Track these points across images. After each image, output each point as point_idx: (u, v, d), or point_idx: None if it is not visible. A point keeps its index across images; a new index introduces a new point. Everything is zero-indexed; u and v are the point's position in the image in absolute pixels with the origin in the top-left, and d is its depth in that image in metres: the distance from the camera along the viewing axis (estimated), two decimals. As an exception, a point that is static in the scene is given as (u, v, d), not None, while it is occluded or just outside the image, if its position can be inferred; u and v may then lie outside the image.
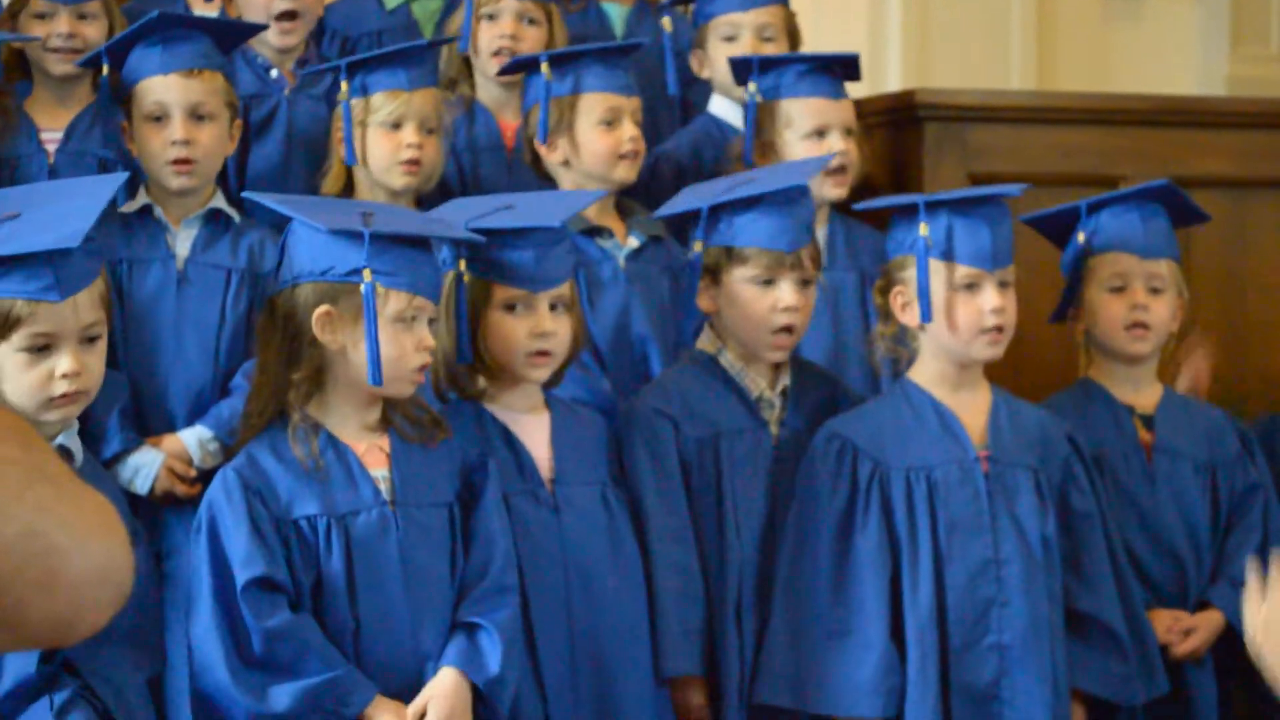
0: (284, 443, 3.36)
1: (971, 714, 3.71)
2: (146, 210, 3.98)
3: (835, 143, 4.35)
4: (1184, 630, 4.01)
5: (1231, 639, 4.02)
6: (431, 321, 3.41)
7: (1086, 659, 3.84)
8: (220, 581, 3.27)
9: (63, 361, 3.16)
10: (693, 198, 3.97)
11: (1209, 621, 4.02)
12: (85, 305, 3.20)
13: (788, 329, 3.84)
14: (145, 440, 3.85)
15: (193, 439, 3.87)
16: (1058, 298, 4.14)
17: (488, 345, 3.61)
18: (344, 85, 4.14)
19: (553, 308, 3.62)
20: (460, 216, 3.64)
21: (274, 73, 4.43)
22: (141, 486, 3.82)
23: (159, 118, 3.94)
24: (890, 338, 3.91)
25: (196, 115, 3.94)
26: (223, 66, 4.04)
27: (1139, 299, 4.08)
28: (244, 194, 3.76)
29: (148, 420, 3.89)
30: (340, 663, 3.26)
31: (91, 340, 3.22)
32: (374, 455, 3.40)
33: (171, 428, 3.89)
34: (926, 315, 3.77)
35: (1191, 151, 4.76)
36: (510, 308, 3.61)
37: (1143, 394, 4.15)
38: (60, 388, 3.16)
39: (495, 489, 3.47)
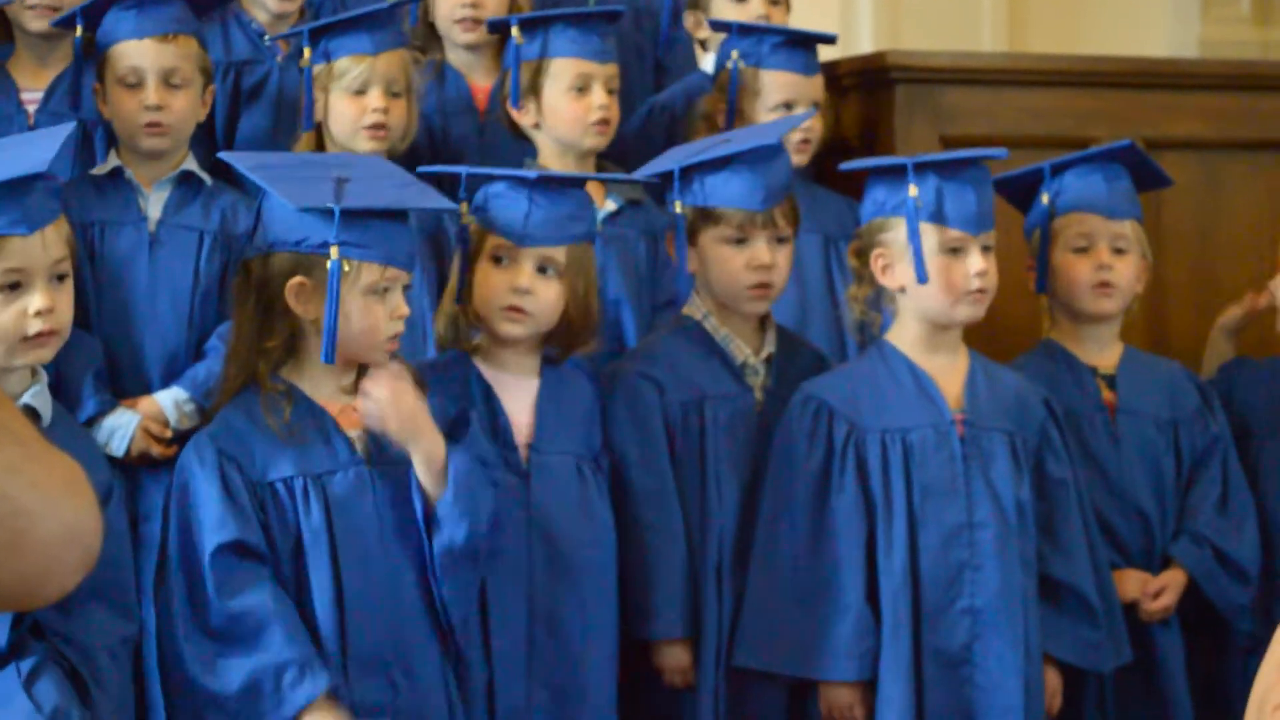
0: (258, 407, 3.36)
1: (944, 677, 3.73)
2: (118, 173, 3.97)
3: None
4: (1154, 591, 4.04)
5: (1195, 593, 4.06)
6: (406, 288, 3.41)
7: (1059, 625, 3.86)
8: (186, 548, 3.28)
9: (35, 299, 3.21)
10: (669, 161, 3.97)
11: (1175, 581, 4.05)
12: (53, 241, 3.25)
13: (764, 285, 3.86)
14: (121, 402, 3.85)
15: (168, 400, 3.86)
16: (1023, 259, 4.14)
17: (472, 294, 3.62)
18: (306, 51, 4.12)
19: (542, 270, 3.62)
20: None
21: (268, 39, 4.42)
22: (117, 448, 3.81)
23: (133, 83, 3.93)
24: (865, 300, 3.92)
25: (170, 81, 3.93)
26: (197, 31, 4.02)
27: (1104, 259, 4.09)
28: (220, 155, 3.75)
29: (123, 383, 3.89)
30: (300, 644, 3.24)
31: (60, 279, 3.27)
32: (349, 416, 3.39)
33: (147, 390, 3.89)
34: (923, 276, 3.76)
35: (1163, 113, 4.76)
36: (497, 259, 3.62)
37: (1105, 354, 4.18)
38: (34, 326, 3.21)
39: (473, 442, 3.47)
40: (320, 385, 3.40)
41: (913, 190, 3.78)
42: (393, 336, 3.37)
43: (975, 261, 3.80)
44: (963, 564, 3.75)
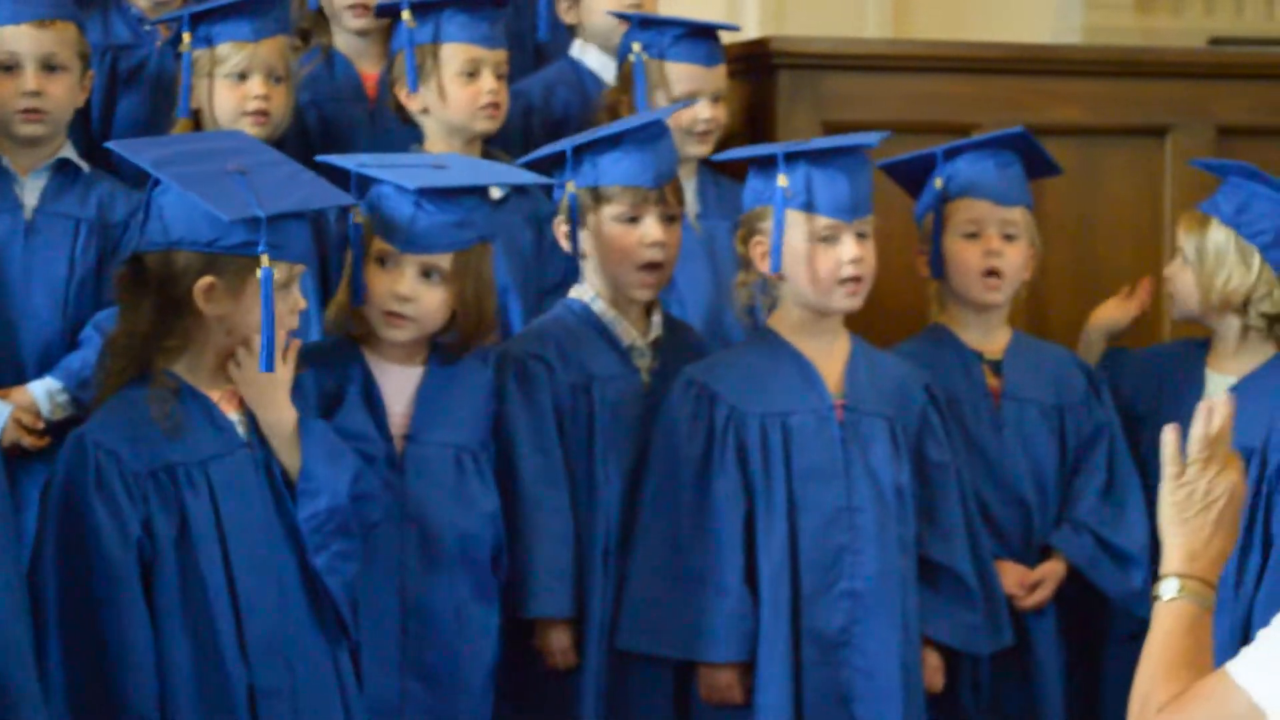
0: (144, 401, 3.31)
1: (822, 659, 3.76)
2: (-7, 160, 3.93)
3: (703, 110, 4.38)
4: (1031, 585, 4.06)
5: (1074, 582, 4.09)
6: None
7: (937, 608, 3.89)
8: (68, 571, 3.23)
9: None
10: (560, 144, 3.98)
11: (1053, 572, 4.08)
12: None
13: (654, 265, 3.87)
14: (-8, 393, 3.80)
15: (41, 391, 3.82)
16: (911, 244, 4.16)
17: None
18: (185, 37, 4.09)
19: (426, 274, 3.60)
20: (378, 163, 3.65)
21: (147, 24, 4.38)
22: (-11, 438, 3.77)
23: (9, 67, 3.88)
24: (752, 286, 3.93)
25: (48, 66, 3.89)
26: (75, 17, 3.98)
27: (993, 245, 4.11)
28: (108, 144, 3.65)
29: (-4, 372, 3.84)
30: None
31: None
32: (229, 400, 3.37)
33: (20, 379, 3.84)
34: (776, 265, 3.81)
35: (1046, 99, 4.78)
36: (383, 262, 3.60)
37: (992, 339, 4.19)
38: None
39: (348, 415, 3.47)
40: (201, 374, 3.36)
41: (782, 180, 3.81)
42: (289, 331, 3.35)
43: (849, 249, 3.82)
44: (842, 547, 3.78)
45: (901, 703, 3.76)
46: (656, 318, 3.97)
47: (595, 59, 4.69)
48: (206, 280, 3.26)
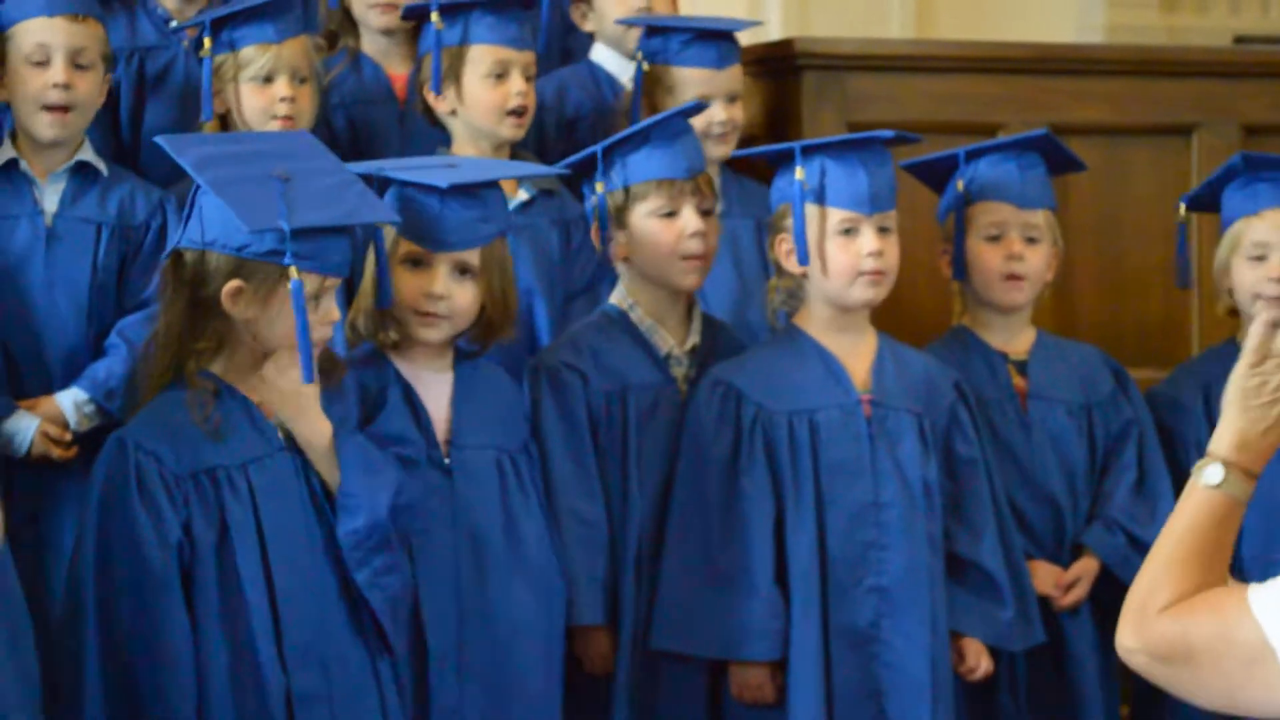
0: (184, 404, 3.30)
1: (851, 655, 3.75)
2: (12, 164, 3.90)
3: (717, 112, 4.36)
4: (1066, 585, 4.04)
5: (1108, 581, 4.07)
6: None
7: (967, 604, 3.87)
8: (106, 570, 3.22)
9: None
10: (585, 152, 3.98)
11: (1087, 571, 4.06)
12: None
13: (697, 256, 3.87)
14: (19, 404, 3.79)
15: (68, 402, 3.81)
16: (935, 245, 4.14)
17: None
18: (207, 41, 4.08)
19: (460, 272, 3.60)
20: (396, 166, 3.64)
21: (174, 24, 4.37)
22: (17, 451, 3.77)
23: (39, 61, 3.85)
24: (785, 289, 3.93)
25: (77, 62, 3.87)
26: (102, 17, 3.97)
27: (1015, 249, 4.09)
28: (156, 139, 3.62)
29: (23, 381, 3.83)
30: None
31: None
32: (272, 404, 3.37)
33: (47, 388, 3.83)
34: (803, 258, 3.80)
35: (1069, 99, 4.78)
36: (413, 263, 3.60)
37: (1016, 340, 4.17)
38: None
39: (388, 421, 3.46)
40: (243, 376, 3.36)
41: (799, 173, 3.80)
42: (321, 341, 3.34)
43: (868, 242, 3.81)
44: (869, 543, 3.77)
45: (930, 697, 3.75)
46: (695, 324, 3.97)
47: (613, 63, 4.68)
48: (234, 284, 3.25)
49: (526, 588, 3.64)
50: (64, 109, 3.85)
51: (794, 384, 3.83)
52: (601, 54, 4.71)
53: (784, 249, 3.87)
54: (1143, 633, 2.36)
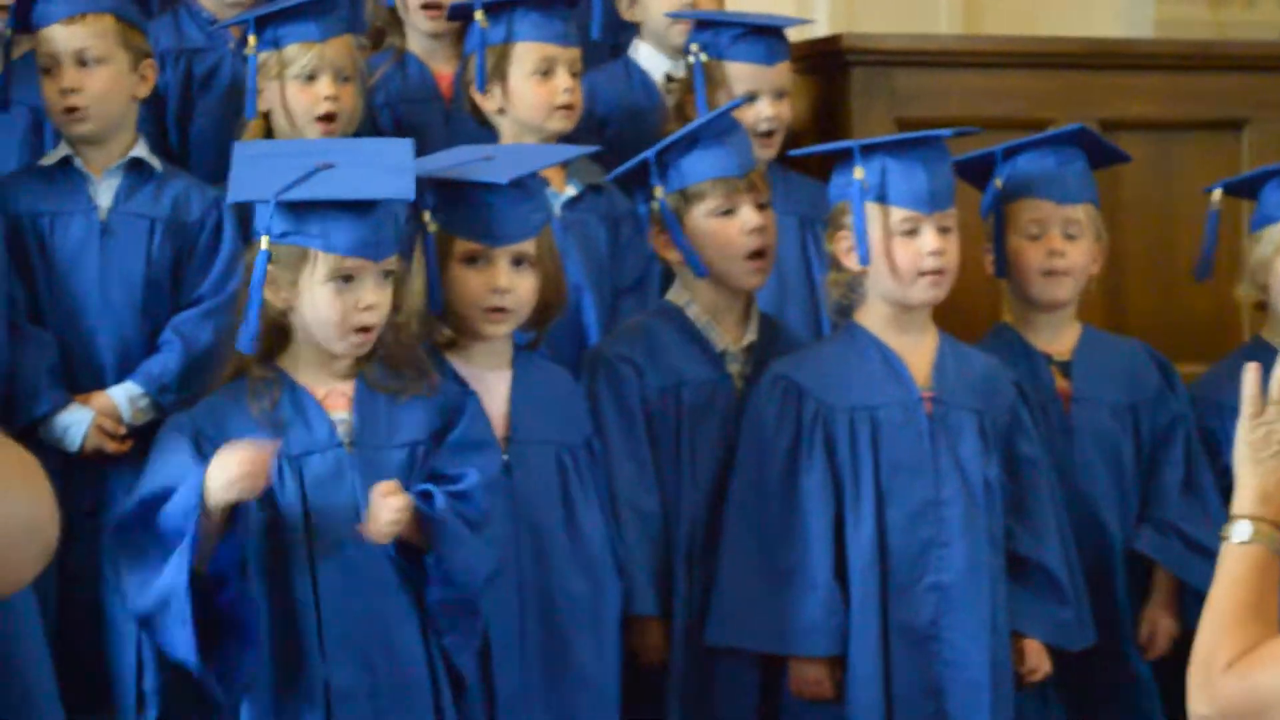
0: (245, 393, 3.37)
1: (911, 653, 3.74)
2: (67, 161, 3.94)
3: (764, 108, 4.37)
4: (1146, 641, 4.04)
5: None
6: (388, 275, 3.39)
7: (1029, 603, 3.86)
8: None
9: None
10: (637, 158, 3.99)
11: (1166, 632, 4.05)
12: None
13: (759, 253, 3.88)
14: (74, 398, 3.81)
15: (123, 396, 3.84)
16: (976, 241, 4.12)
17: (448, 298, 3.61)
18: (251, 39, 4.09)
19: (517, 263, 3.62)
20: (438, 165, 3.65)
21: (215, 27, 4.40)
22: (71, 445, 3.79)
23: (50, 68, 3.90)
24: (844, 284, 3.91)
25: (82, 61, 3.89)
26: (112, 8, 3.95)
27: (1055, 245, 4.06)
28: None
29: (77, 375, 3.85)
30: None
31: None
32: (335, 399, 3.41)
33: (101, 382, 3.85)
34: (865, 258, 3.80)
35: (1119, 94, 4.77)
36: (471, 260, 3.61)
37: (1060, 339, 4.14)
38: None
39: (478, 430, 3.47)
40: (310, 368, 3.41)
41: (858, 173, 3.80)
42: (359, 328, 3.36)
43: (928, 241, 3.80)
44: (930, 540, 3.76)
45: (990, 696, 3.73)
46: (753, 322, 3.98)
47: (652, 60, 4.68)
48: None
49: (585, 580, 3.65)
50: (77, 109, 3.88)
51: (855, 380, 3.83)
52: (642, 51, 4.71)
53: (843, 246, 3.86)
54: (1212, 696, 2.35)
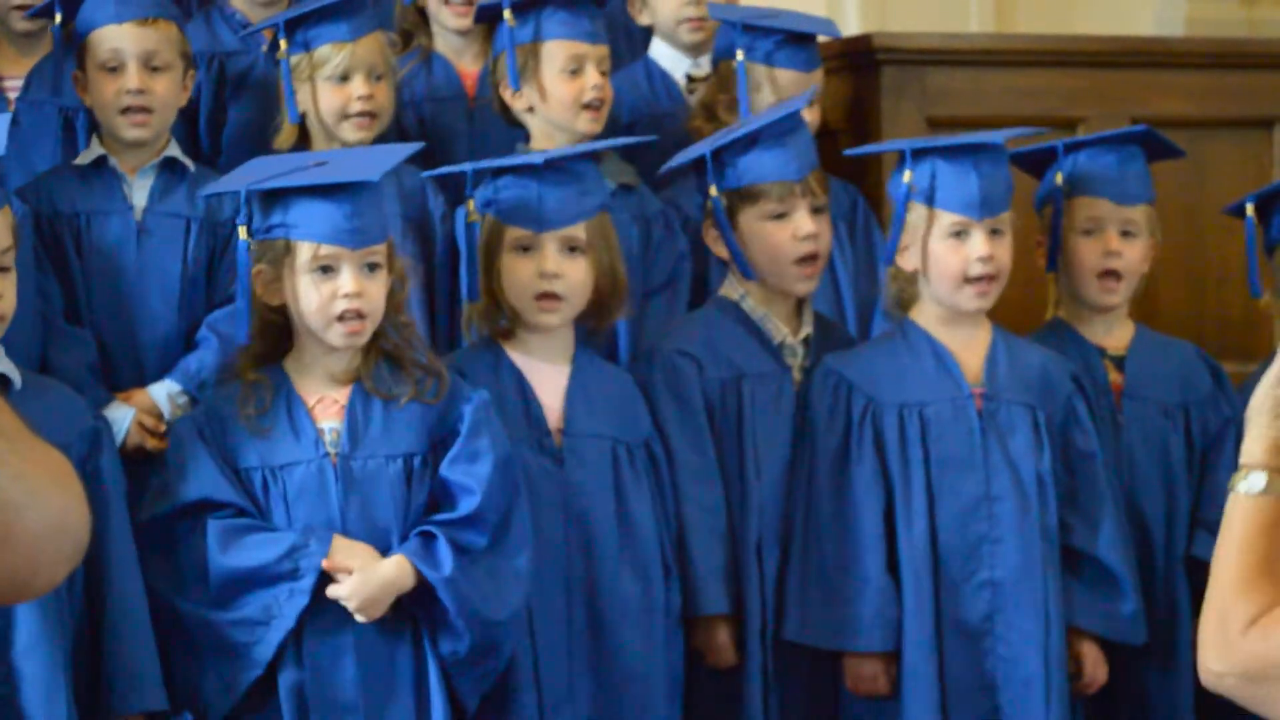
0: (235, 397, 3.40)
1: (965, 649, 3.75)
2: (101, 161, 3.95)
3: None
4: None
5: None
6: (374, 268, 3.39)
7: (1085, 598, 3.85)
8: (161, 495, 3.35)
9: None
10: (699, 148, 3.99)
11: None
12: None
13: (811, 256, 3.88)
14: (115, 396, 3.83)
15: (162, 393, 3.84)
16: (1031, 235, 4.11)
17: (501, 288, 3.62)
18: (283, 43, 4.09)
19: (568, 250, 3.62)
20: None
21: (248, 30, 4.41)
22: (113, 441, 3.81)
23: (113, 67, 3.90)
24: (902, 280, 3.91)
25: (150, 65, 3.91)
26: (176, 17, 4.00)
27: (1112, 245, 4.06)
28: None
29: (117, 372, 3.86)
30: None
31: (3, 270, 3.29)
32: (327, 406, 3.41)
33: (140, 380, 3.86)
34: (889, 258, 3.83)
35: (1151, 92, 4.76)
36: (523, 250, 3.62)
37: (1115, 335, 4.14)
38: None
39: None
40: (309, 373, 3.41)
41: (907, 176, 3.80)
42: (344, 315, 3.36)
43: (978, 246, 3.80)
44: (981, 537, 3.76)
45: (1044, 691, 3.73)
46: (807, 315, 3.97)
47: (669, 59, 4.68)
48: (257, 269, 3.33)
49: (634, 576, 3.64)
50: (143, 110, 3.89)
51: (905, 377, 3.83)
52: (658, 49, 4.71)
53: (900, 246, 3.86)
54: (1229, 655, 2.29)
